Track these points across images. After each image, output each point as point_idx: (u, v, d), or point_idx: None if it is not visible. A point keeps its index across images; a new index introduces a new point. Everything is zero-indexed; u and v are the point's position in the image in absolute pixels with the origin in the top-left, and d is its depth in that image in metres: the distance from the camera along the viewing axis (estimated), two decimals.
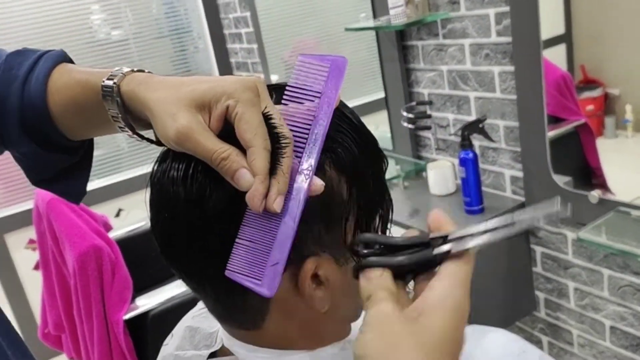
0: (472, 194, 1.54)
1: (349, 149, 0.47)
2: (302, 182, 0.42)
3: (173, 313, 1.67)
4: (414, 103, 1.84)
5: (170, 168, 0.46)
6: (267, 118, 0.42)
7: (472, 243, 0.38)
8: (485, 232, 0.38)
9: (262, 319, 0.49)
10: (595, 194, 1.35)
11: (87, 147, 0.58)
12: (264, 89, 0.44)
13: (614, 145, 1.50)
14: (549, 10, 1.42)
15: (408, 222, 1.60)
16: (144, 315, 1.70)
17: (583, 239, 1.33)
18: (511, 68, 1.47)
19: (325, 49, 2.54)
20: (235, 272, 0.42)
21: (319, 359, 0.53)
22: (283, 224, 0.42)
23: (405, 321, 0.37)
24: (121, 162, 2.68)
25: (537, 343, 1.72)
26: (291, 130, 0.43)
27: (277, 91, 0.47)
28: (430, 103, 1.78)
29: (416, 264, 0.39)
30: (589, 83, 1.50)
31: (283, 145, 0.41)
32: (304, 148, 0.43)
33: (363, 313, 0.58)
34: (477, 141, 1.64)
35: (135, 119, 0.48)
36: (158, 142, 0.47)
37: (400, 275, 0.40)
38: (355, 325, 0.58)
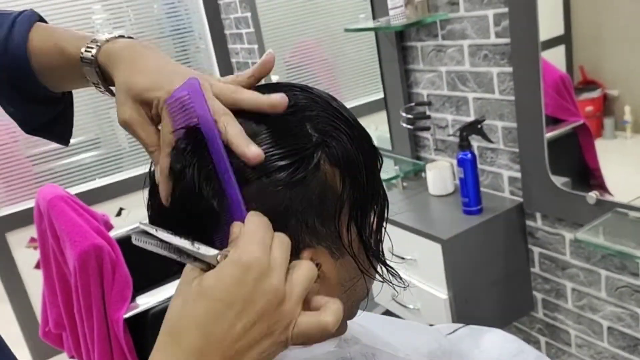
0: (470, 195, 1.55)
1: (343, 143, 0.48)
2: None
3: None
4: (413, 104, 1.84)
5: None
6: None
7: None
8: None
9: None
10: (593, 195, 1.36)
11: (68, 95, 0.62)
12: (207, 83, 0.47)
13: (613, 146, 1.50)
14: (549, 11, 1.42)
15: (406, 222, 1.61)
16: (144, 313, 1.71)
17: (581, 239, 1.33)
18: (510, 69, 1.48)
19: (325, 49, 2.55)
20: None
21: (314, 356, 0.54)
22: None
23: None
24: (122, 162, 2.69)
25: (535, 343, 1.73)
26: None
27: (264, 88, 0.50)
28: (429, 104, 1.79)
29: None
30: (588, 84, 1.50)
31: None
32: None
33: (359, 312, 0.59)
34: (476, 142, 1.64)
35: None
36: None
37: None
38: (352, 323, 0.59)
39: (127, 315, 1.68)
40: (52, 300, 1.84)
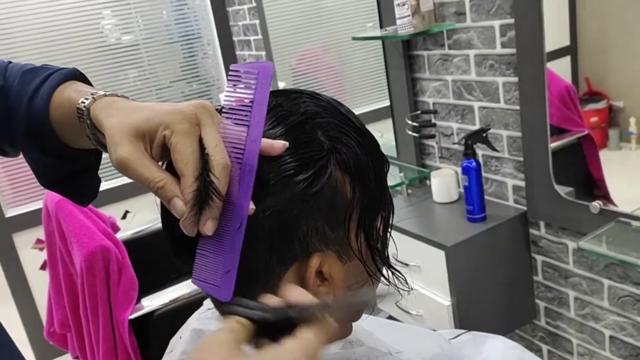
0: (474, 203, 1.56)
1: (353, 149, 0.49)
2: (242, 198, 0.44)
3: (177, 313, 1.69)
4: (418, 112, 1.86)
5: None
6: (202, 147, 0.43)
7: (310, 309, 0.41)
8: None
9: None
10: (596, 204, 1.36)
11: (96, 154, 0.60)
12: (208, 115, 0.45)
13: (618, 158, 1.51)
14: (555, 23, 1.44)
15: (410, 229, 1.62)
16: (149, 315, 1.72)
17: (583, 248, 1.34)
18: (515, 79, 1.49)
19: (332, 57, 2.57)
20: (198, 279, 0.46)
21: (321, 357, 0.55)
22: (230, 235, 0.44)
23: (234, 352, 0.39)
24: None
25: (537, 351, 1.73)
26: (228, 146, 0.44)
27: (272, 95, 0.50)
28: (435, 112, 1.81)
29: (273, 319, 0.42)
30: (594, 95, 1.51)
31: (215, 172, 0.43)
32: (241, 161, 0.45)
33: (364, 315, 0.60)
34: (481, 150, 1.66)
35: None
36: None
37: (266, 331, 0.42)
38: (356, 325, 0.60)
39: (132, 317, 1.69)
40: (58, 301, 1.85)
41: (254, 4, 2.55)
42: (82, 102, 0.50)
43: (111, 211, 2.28)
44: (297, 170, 0.46)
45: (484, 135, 1.56)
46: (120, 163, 0.43)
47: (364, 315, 0.65)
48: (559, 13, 1.47)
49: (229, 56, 2.86)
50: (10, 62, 0.60)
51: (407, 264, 1.62)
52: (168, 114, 0.44)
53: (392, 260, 0.56)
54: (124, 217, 2.64)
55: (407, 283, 0.56)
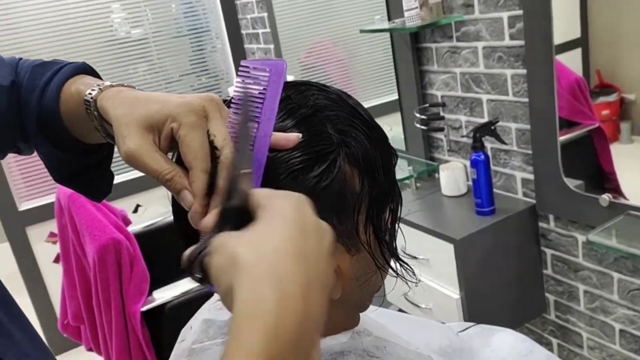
0: (483, 196, 1.56)
1: (362, 143, 0.49)
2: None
3: (189, 305, 1.71)
4: (427, 105, 1.85)
5: None
6: (210, 140, 0.43)
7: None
8: None
9: None
10: (606, 197, 1.36)
11: (108, 148, 0.60)
12: (216, 108, 0.45)
13: (629, 151, 1.50)
14: (565, 15, 1.43)
15: (419, 222, 1.62)
16: (161, 307, 1.74)
17: (593, 241, 1.34)
18: (524, 71, 1.48)
19: (340, 50, 2.57)
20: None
21: (329, 347, 0.55)
22: None
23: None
24: None
25: (547, 345, 1.73)
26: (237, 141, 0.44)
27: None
28: (443, 105, 1.80)
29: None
30: (605, 88, 1.50)
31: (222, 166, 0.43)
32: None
33: (373, 307, 0.61)
34: (489, 143, 1.65)
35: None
36: None
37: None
38: (364, 316, 0.61)
39: (144, 309, 1.71)
40: (72, 294, 1.88)
41: None
42: (89, 94, 0.50)
43: (122, 205, 2.30)
44: (306, 165, 0.46)
45: (493, 128, 1.56)
46: (128, 155, 0.44)
47: (373, 307, 0.66)
48: (569, 4, 1.46)
49: (238, 49, 2.87)
50: (20, 59, 0.61)
51: (415, 257, 1.63)
52: (176, 106, 0.44)
53: (400, 253, 0.57)
54: (135, 210, 2.67)
55: (414, 274, 0.56)
